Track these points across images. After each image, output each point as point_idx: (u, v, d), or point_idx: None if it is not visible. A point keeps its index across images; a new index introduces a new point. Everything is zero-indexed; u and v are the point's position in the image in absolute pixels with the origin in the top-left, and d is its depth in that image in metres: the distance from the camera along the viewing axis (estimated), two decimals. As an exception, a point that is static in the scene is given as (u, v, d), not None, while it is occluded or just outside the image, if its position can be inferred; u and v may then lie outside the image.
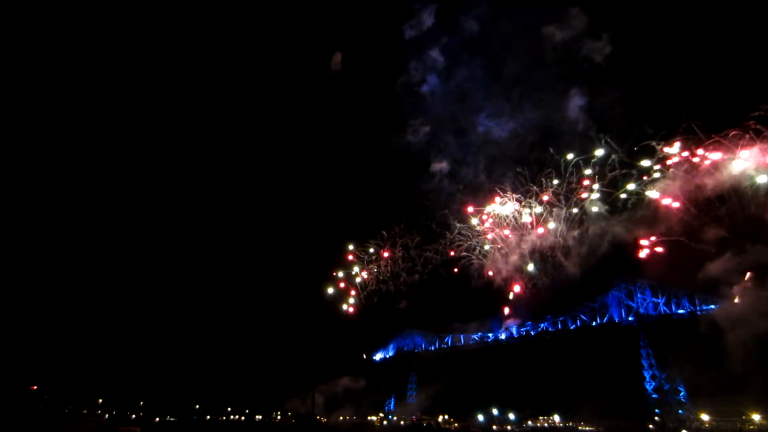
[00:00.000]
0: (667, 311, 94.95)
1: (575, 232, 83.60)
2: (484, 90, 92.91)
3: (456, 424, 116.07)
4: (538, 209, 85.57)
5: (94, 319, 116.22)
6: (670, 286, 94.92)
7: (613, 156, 77.15)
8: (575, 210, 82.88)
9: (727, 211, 70.18)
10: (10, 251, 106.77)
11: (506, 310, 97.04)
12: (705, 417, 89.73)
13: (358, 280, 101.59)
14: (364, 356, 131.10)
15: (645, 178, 76.24)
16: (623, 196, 78.07)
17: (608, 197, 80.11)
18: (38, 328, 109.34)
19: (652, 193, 75.69)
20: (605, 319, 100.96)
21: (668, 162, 73.46)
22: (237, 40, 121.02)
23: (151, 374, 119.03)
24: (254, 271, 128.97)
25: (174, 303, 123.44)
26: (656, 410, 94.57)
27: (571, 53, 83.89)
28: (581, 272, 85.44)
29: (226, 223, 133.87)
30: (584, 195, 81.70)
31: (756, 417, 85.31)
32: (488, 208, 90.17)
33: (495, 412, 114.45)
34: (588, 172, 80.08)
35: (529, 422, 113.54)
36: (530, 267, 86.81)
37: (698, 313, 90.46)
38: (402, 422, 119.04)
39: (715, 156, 70.01)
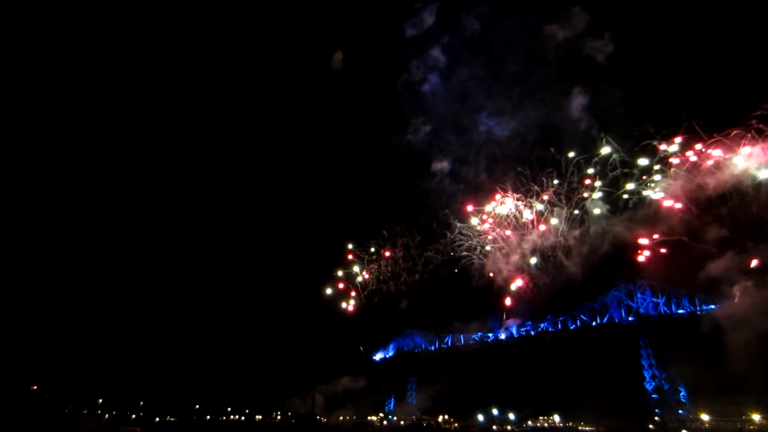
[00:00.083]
0: (668, 311, 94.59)
1: (576, 232, 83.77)
2: (486, 89, 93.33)
3: (456, 424, 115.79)
4: (539, 208, 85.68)
5: (94, 319, 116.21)
6: (670, 286, 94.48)
7: (615, 155, 77.25)
8: (576, 210, 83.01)
9: (729, 210, 70.35)
10: (10, 251, 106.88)
11: (507, 301, 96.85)
12: (705, 417, 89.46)
13: (358, 279, 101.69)
14: (364, 354, 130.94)
15: (646, 177, 76.33)
16: (624, 195, 78.20)
17: (609, 197, 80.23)
18: (38, 328, 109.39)
19: (653, 193, 75.74)
20: (605, 319, 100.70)
21: (670, 161, 73.53)
22: (237, 39, 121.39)
23: (151, 374, 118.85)
24: (254, 271, 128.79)
25: (174, 303, 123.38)
26: (656, 410, 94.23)
27: (573, 52, 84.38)
28: (582, 272, 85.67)
29: (226, 223, 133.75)
30: (585, 194, 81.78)
31: (756, 417, 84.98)
32: (489, 207, 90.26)
33: (495, 412, 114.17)
34: (589, 171, 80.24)
35: (529, 422, 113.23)
36: (533, 260, 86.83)
37: (698, 313, 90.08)
38: (402, 422, 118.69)
39: (717, 155, 70.12)
